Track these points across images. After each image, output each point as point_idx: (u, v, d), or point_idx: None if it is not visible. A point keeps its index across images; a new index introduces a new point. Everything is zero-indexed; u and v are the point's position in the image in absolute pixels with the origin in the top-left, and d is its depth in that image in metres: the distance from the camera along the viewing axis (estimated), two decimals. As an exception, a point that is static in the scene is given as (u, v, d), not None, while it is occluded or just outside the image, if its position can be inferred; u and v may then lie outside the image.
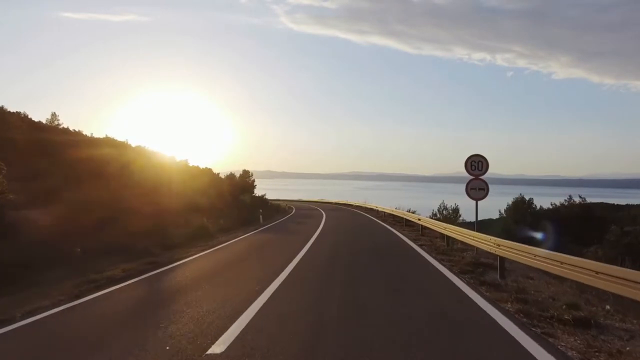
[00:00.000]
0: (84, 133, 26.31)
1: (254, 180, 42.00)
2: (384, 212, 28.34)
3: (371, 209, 35.66)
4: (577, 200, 32.19)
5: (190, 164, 31.87)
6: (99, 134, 26.58)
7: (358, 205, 43.60)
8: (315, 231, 17.73)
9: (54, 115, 25.47)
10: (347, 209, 41.66)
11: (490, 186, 11.58)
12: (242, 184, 39.81)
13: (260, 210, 24.33)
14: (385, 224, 21.72)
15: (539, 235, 18.49)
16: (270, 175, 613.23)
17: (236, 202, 29.27)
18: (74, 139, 22.95)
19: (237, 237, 16.09)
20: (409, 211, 23.03)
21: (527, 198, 31.75)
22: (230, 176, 39.52)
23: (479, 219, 11.85)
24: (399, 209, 26.25)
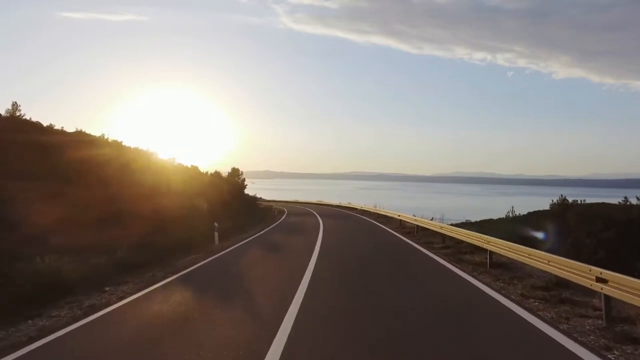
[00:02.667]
0: (54, 127, 25.01)
1: (244, 180, 37.49)
2: (411, 224, 18.89)
3: (385, 217, 26.13)
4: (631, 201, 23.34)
5: (178, 163, 29.08)
6: (70, 128, 25.39)
7: (364, 210, 34.09)
8: (296, 290, 7.96)
9: (14, 105, 24.18)
10: (352, 216, 32.01)
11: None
12: (234, 183, 34.13)
13: (216, 225, 14.91)
14: (430, 253, 12.17)
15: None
16: (269, 175, 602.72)
17: (192, 209, 20.15)
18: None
19: (88, 317, 6.18)
20: (473, 225, 13.10)
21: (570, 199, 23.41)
22: (215, 175, 33.36)
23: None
24: (437, 221, 16.83)
